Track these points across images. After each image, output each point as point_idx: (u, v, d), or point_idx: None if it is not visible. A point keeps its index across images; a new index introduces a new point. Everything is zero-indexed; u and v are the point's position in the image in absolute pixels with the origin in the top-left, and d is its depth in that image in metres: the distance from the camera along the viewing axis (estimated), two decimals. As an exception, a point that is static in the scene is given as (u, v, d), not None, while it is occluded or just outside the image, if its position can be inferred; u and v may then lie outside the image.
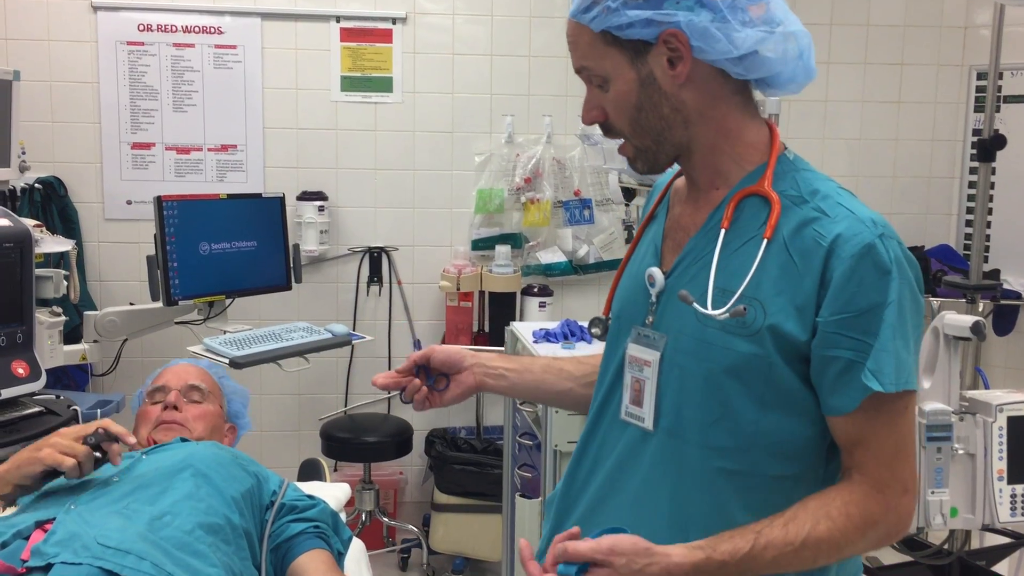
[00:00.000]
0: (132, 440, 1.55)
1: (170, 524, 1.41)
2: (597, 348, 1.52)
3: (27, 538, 1.31)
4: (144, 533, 1.35)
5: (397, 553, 3.78)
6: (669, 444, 1.20)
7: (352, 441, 3.54)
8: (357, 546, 1.85)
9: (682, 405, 1.19)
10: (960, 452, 1.68)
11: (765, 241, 1.14)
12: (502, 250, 3.67)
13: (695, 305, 1.15)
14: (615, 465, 1.26)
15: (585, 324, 2.35)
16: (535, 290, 3.69)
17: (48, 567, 1.24)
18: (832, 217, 1.13)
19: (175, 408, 1.81)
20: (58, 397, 2.19)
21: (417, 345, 1.37)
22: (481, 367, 1.45)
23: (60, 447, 1.48)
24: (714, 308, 1.13)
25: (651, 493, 1.22)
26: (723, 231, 1.18)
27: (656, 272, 1.23)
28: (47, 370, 2.34)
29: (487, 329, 3.70)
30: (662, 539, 1.12)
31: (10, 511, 1.47)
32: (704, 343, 1.16)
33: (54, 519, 1.35)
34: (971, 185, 3.91)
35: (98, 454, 1.49)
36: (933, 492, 1.64)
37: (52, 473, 1.48)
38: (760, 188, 1.18)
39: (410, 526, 3.76)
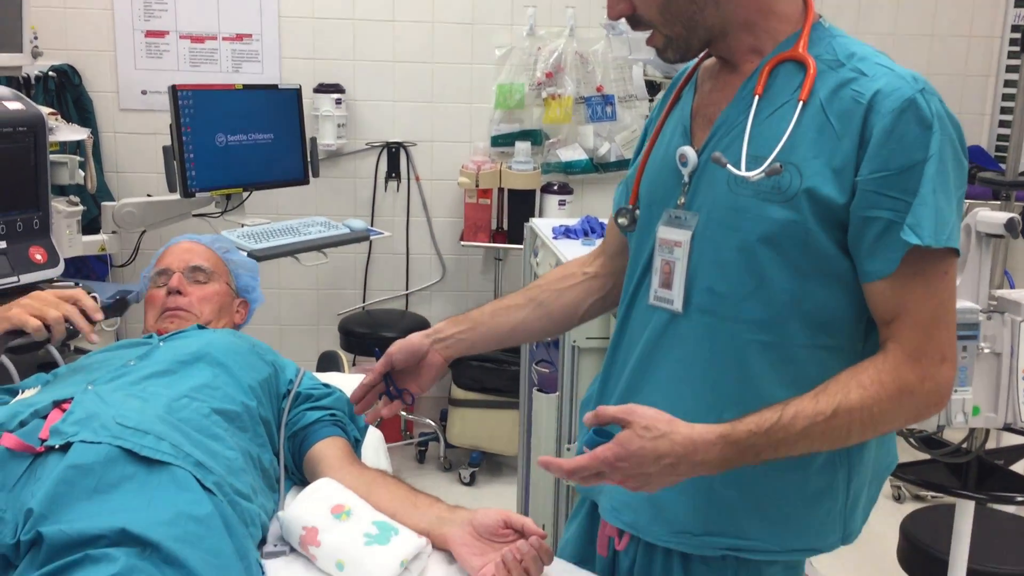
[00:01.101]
0: (99, 317, 1.51)
1: (187, 407, 1.41)
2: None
3: (45, 417, 1.32)
4: (162, 415, 1.35)
5: (415, 446, 3.85)
6: (701, 322, 1.20)
7: (370, 336, 3.56)
8: (374, 435, 1.86)
9: (715, 280, 1.18)
10: (986, 351, 1.66)
11: (800, 103, 1.11)
12: (522, 147, 3.61)
13: (729, 167, 1.13)
14: (644, 352, 1.26)
15: (605, 221, 2.32)
16: (555, 188, 3.64)
17: (66, 446, 1.25)
18: (870, 76, 1.10)
19: (179, 293, 1.77)
20: (76, 284, 2.19)
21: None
22: (440, 343, 1.44)
23: (31, 308, 1.45)
24: (748, 170, 1.11)
25: (683, 375, 1.22)
26: (756, 98, 1.15)
27: (688, 151, 1.20)
28: (67, 260, 2.34)
29: (506, 227, 3.67)
30: (697, 421, 1.12)
31: (30, 393, 1.48)
32: (738, 212, 1.14)
33: (72, 399, 1.35)
34: (1008, 84, 3.83)
35: (69, 326, 1.46)
36: (956, 391, 1.63)
37: (17, 334, 1.45)
38: (795, 53, 1.15)
39: (427, 420, 3.81)
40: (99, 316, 1.52)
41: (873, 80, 1.10)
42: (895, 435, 1.36)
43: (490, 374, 3.57)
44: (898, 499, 3.48)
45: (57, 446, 1.24)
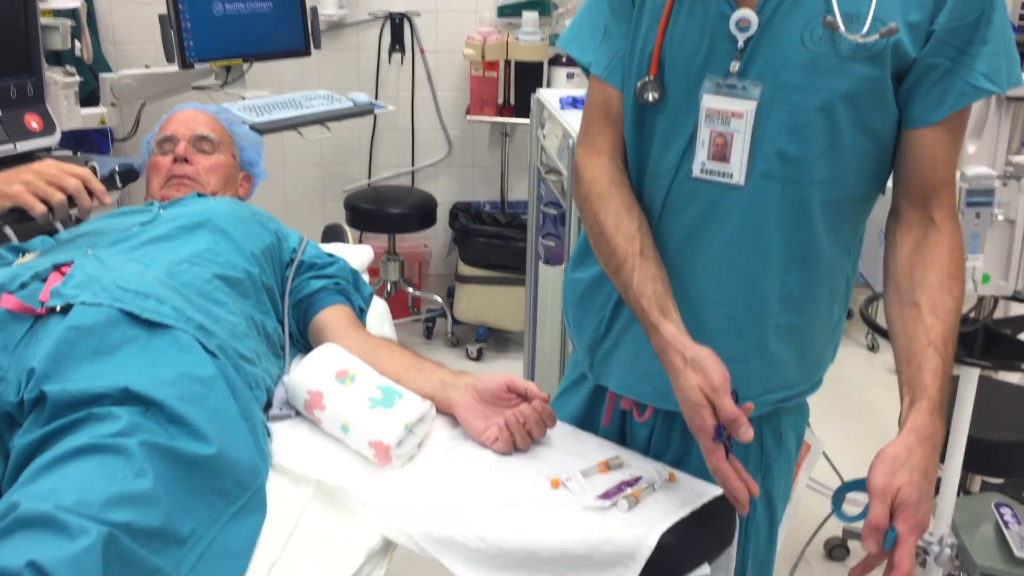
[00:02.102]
0: (107, 200, 1.49)
1: (188, 272, 1.40)
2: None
3: (45, 280, 1.31)
4: (163, 279, 1.34)
5: (422, 322, 3.88)
6: (767, 189, 1.17)
7: (376, 212, 3.54)
8: (380, 305, 1.86)
9: (787, 145, 1.15)
10: (1000, 218, 1.64)
11: None
12: (529, 17, 3.49)
13: (843, 32, 1.09)
14: (692, 228, 1.22)
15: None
16: (563, 60, 3.53)
17: (67, 308, 1.24)
18: None
19: (185, 161, 1.73)
20: (75, 153, 2.16)
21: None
22: None
23: (36, 188, 1.41)
24: (850, 33, 1.08)
25: (742, 245, 1.21)
26: None
27: (750, 14, 1.12)
28: (68, 134, 2.30)
29: (512, 101, 3.59)
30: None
31: (30, 257, 1.47)
32: (818, 73, 1.11)
33: (72, 263, 1.34)
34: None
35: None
36: (967, 258, 1.61)
37: (19, 212, 1.43)
38: None
39: (435, 296, 3.83)
40: (107, 200, 1.49)
41: None
42: None
43: (496, 250, 3.56)
44: (902, 374, 3.52)
45: (58, 308, 1.24)
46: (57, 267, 1.33)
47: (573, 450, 1.34)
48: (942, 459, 1.92)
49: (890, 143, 1.18)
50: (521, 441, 1.32)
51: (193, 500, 1.08)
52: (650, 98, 1.21)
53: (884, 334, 2.49)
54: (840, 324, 1.34)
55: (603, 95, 1.28)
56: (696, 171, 1.20)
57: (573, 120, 2.26)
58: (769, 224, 1.19)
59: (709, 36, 1.16)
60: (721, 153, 1.18)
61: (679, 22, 1.19)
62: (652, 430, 1.39)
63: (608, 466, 1.29)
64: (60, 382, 1.13)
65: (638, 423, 1.40)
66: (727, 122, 1.16)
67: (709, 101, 1.17)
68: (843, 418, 3.20)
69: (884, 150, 1.18)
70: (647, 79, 1.21)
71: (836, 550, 2.51)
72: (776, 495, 1.38)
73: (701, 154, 1.19)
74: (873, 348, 3.71)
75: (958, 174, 1.61)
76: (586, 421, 1.46)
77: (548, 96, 2.56)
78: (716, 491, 1.23)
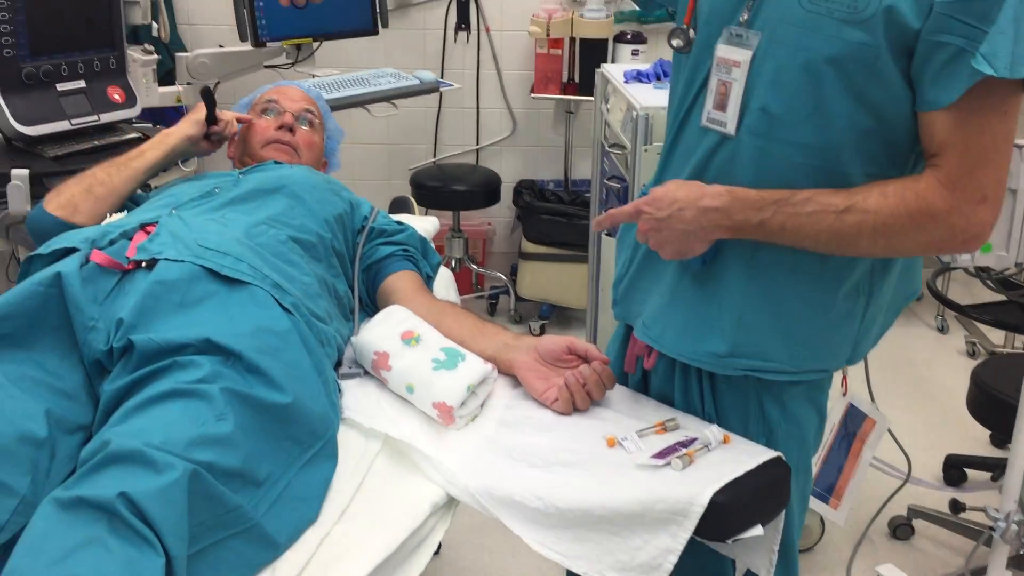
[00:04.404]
0: (234, 128, 1.82)
1: (265, 233, 1.46)
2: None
3: (131, 238, 1.38)
4: (241, 239, 1.41)
5: (485, 299, 3.92)
6: (751, 144, 1.18)
7: (441, 189, 3.59)
8: (446, 274, 1.91)
9: (770, 100, 1.15)
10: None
11: None
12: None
13: None
14: (691, 175, 1.25)
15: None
16: (628, 37, 3.52)
17: (152, 264, 1.31)
18: None
19: (290, 130, 1.82)
20: (155, 125, 2.24)
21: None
22: None
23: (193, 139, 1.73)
24: None
25: None
26: None
27: None
28: (145, 111, 2.39)
29: (577, 79, 3.60)
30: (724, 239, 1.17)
31: (117, 217, 1.55)
32: (809, 31, 1.10)
33: (156, 222, 1.41)
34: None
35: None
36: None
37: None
38: None
39: (498, 273, 3.87)
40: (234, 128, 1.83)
41: None
42: (919, 265, 1.36)
43: (560, 227, 3.58)
44: (972, 355, 3.45)
45: (143, 263, 1.31)
46: (143, 226, 1.41)
47: (631, 412, 1.37)
48: (1007, 437, 1.90)
49: (898, 122, 1.12)
50: (580, 401, 1.35)
51: (270, 445, 1.13)
52: (674, 44, 1.27)
53: (955, 307, 2.46)
54: (852, 318, 1.26)
55: None
56: (703, 119, 1.23)
57: (638, 93, 2.27)
58: (750, 181, 1.18)
59: None
60: (722, 102, 1.20)
61: None
62: (663, 380, 1.40)
63: (664, 427, 1.31)
64: (146, 332, 1.20)
65: (650, 372, 1.42)
66: (729, 71, 1.19)
67: (720, 50, 1.20)
68: (909, 397, 3.16)
69: (889, 128, 1.13)
70: (679, 27, 1.27)
71: (900, 529, 2.48)
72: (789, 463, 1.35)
73: (709, 102, 1.22)
74: (943, 330, 3.63)
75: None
76: (616, 367, 1.48)
77: (613, 70, 2.57)
78: (771, 454, 1.25)
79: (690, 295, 1.29)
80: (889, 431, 2.05)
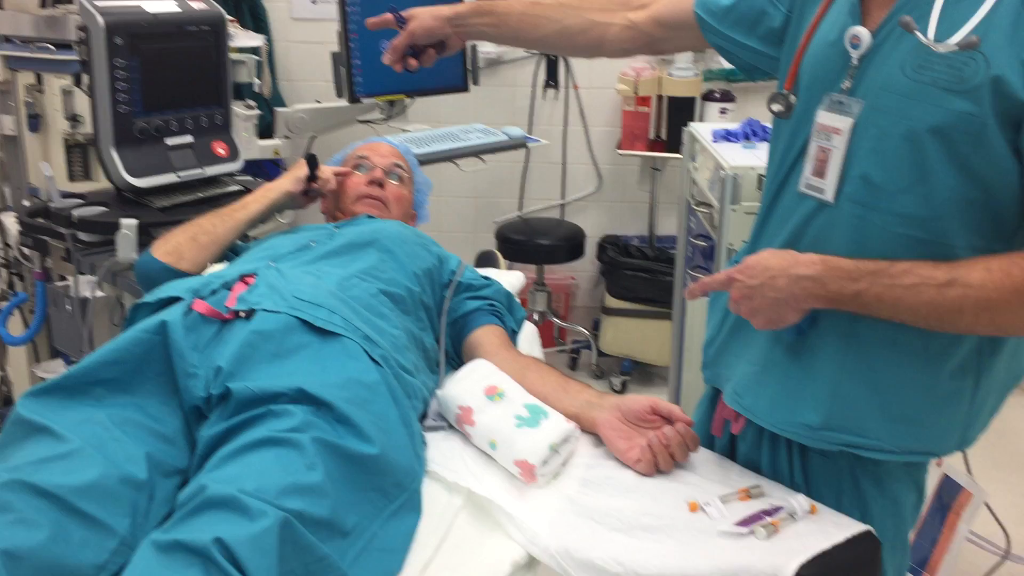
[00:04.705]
0: (332, 186, 1.90)
1: (357, 286, 1.51)
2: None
3: (231, 288, 1.44)
4: (334, 291, 1.45)
5: (567, 353, 3.92)
6: (851, 213, 1.16)
7: (526, 243, 3.63)
8: (530, 329, 1.92)
9: (871, 169, 1.13)
10: None
11: None
12: (683, 53, 3.52)
13: (917, 33, 1.06)
14: (787, 242, 1.24)
15: (769, 125, 2.25)
16: (716, 95, 3.54)
17: (250, 314, 1.36)
18: None
19: (380, 185, 1.90)
20: (255, 178, 2.34)
21: (401, 20, 1.60)
22: (461, 28, 1.61)
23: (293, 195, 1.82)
24: (934, 40, 1.04)
25: None
26: None
27: (862, 31, 1.14)
28: (244, 162, 2.49)
29: (664, 136, 3.62)
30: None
31: (219, 267, 1.62)
32: (911, 99, 1.08)
33: (255, 274, 1.47)
34: None
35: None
36: None
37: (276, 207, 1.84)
38: None
39: (580, 328, 3.87)
40: (332, 185, 1.91)
41: None
42: None
43: (644, 284, 3.57)
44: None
45: (242, 313, 1.36)
46: (243, 277, 1.46)
47: (714, 476, 1.35)
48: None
49: (1005, 194, 1.09)
50: (663, 463, 1.34)
51: (357, 496, 1.16)
52: (774, 109, 1.27)
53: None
54: (959, 398, 1.20)
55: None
56: (801, 185, 1.22)
57: (726, 152, 2.27)
58: (849, 251, 1.15)
59: (837, 53, 1.18)
60: (821, 169, 1.18)
61: (821, 36, 1.23)
62: (751, 447, 1.38)
63: (748, 494, 1.28)
64: (243, 380, 1.24)
65: (738, 437, 1.40)
66: (829, 138, 1.17)
67: (821, 116, 1.19)
68: (1008, 469, 3.03)
69: (995, 200, 1.09)
70: (780, 92, 1.27)
71: (995, 607, 2.37)
72: (882, 540, 1.30)
73: (807, 168, 1.21)
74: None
75: None
76: (708, 430, 1.47)
77: (701, 129, 2.58)
78: (861, 527, 1.21)
79: (783, 364, 1.26)
80: (986, 504, 1.97)
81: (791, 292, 1.14)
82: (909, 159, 1.10)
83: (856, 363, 1.20)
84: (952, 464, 2.00)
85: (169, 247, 1.71)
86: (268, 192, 1.85)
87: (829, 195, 1.18)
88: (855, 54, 1.15)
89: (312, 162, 1.85)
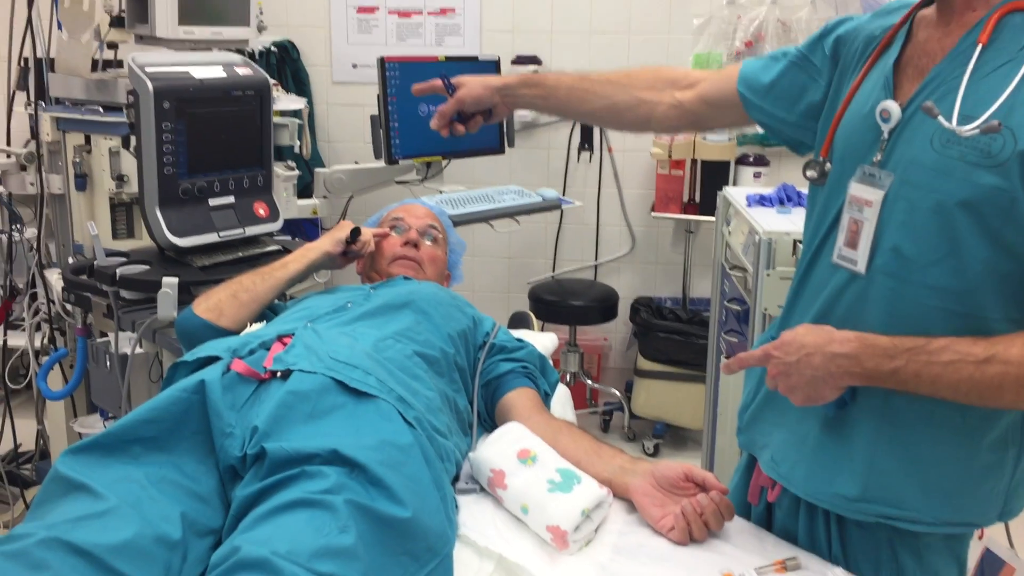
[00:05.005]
0: (371, 248, 1.93)
1: (392, 348, 1.52)
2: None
3: (269, 348, 1.46)
4: (369, 352, 1.46)
5: (599, 415, 3.90)
6: (883, 285, 1.16)
7: (559, 304, 3.63)
8: (563, 391, 1.92)
9: (902, 241, 1.14)
10: None
11: None
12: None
13: (940, 119, 1.07)
14: (821, 312, 1.24)
15: (804, 190, 2.26)
16: (750, 159, 3.56)
17: (287, 374, 1.37)
18: None
19: (415, 246, 1.93)
20: (294, 239, 2.38)
21: (450, 87, 1.66)
22: (511, 101, 1.64)
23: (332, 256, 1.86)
24: (955, 124, 1.05)
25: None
26: (979, 47, 1.08)
27: (891, 105, 1.15)
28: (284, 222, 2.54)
29: (698, 199, 3.63)
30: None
31: (257, 327, 1.64)
32: (940, 174, 1.09)
33: (292, 334, 1.49)
34: None
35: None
36: None
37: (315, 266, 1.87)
38: None
39: (613, 390, 3.85)
40: (371, 248, 1.93)
41: None
42: None
43: (677, 346, 3.56)
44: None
45: (279, 373, 1.38)
46: (280, 337, 1.48)
47: (749, 546, 1.33)
48: None
49: None
50: (697, 531, 1.33)
51: (388, 560, 1.15)
52: (809, 175, 1.29)
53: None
54: (1000, 470, 1.19)
55: (730, 77, 1.44)
56: (835, 256, 1.23)
57: (760, 217, 2.28)
58: (882, 323, 1.15)
59: (869, 125, 1.19)
60: (853, 240, 1.19)
61: (856, 107, 1.25)
62: (787, 515, 1.36)
63: (784, 567, 1.26)
64: (278, 440, 1.25)
65: (775, 505, 1.39)
66: (861, 209, 1.18)
67: (853, 188, 1.20)
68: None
69: None
70: (815, 160, 1.29)
71: None
72: None
73: (840, 239, 1.22)
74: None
75: None
76: (744, 497, 1.46)
77: (735, 193, 2.59)
78: (898, 600, 1.19)
79: (820, 435, 1.26)
80: (1030, 580, 1.91)
81: (827, 370, 1.14)
82: (939, 232, 1.10)
83: (892, 436, 1.19)
84: (994, 537, 1.95)
85: (210, 304, 1.74)
86: (308, 252, 1.87)
87: (861, 267, 1.18)
88: (885, 128, 1.16)
89: (355, 233, 1.89)
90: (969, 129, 1.04)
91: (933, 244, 1.11)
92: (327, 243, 1.89)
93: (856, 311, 1.19)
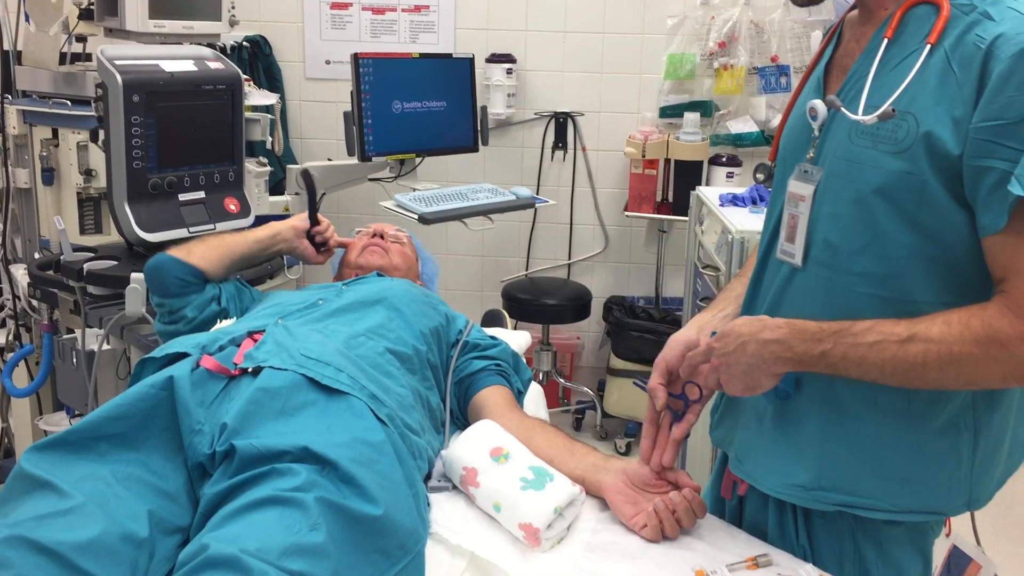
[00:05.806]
0: (332, 233, 1.94)
1: (364, 345, 1.51)
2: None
3: (239, 345, 1.44)
4: (341, 349, 1.45)
5: (572, 414, 3.90)
6: (818, 275, 1.20)
7: (532, 303, 3.63)
8: (536, 390, 1.92)
9: (830, 232, 1.18)
10: None
11: (928, 47, 1.08)
12: (691, 117, 3.57)
13: (842, 109, 1.13)
14: (771, 305, 1.28)
15: (775, 189, 2.28)
16: (723, 160, 3.58)
17: (257, 371, 1.36)
18: (996, 20, 1.05)
19: (380, 236, 1.96)
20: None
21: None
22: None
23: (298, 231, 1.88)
24: (850, 111, 1.11)
25: None
26: (885, 41, 1.13)
27: (817, 103, 1.20)
28: (255, 218, 2.52)
29: (671, 198, 3.64)
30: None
31: (227, 323, 1.62)
32: (854, 163, 1.14)
33: (264, 330, 1.47)
34: None
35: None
36: None
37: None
38: None
39: (585, 388, 3.86)
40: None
41: (998, 24, 1.04)
42: None
43: (649, 345, 3.57)
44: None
45: (249, 370, 1.36)
46: (251, 333, 1.47)
47: (722, 543, 1.34)
48: None
49: (962, 248, 1.09)
50: (669, 529, 1.33)
51: (359, 558, 1.14)
52: (758, 177, 1.35)
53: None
54: (955, 456, 1.19)
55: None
56: (778, 251, 1.27)
57: (733, 217, 2.29)
58: (818, 312, 1.18)
59: (804, 125, 1.24)
60: (791, 235, 1.24)
61: (796, 110, 1.31)
62: (756, 510, 1.38)
63: (756, 563, 1.27)
64: (248, 437, 1.23)
65: (746, 500, 1.40)
66: (796, 205, 1.23)
67: (791, 185, 1.24)
68: (1019, 541, 2.99)
69: (953, 255, 1.10)
70: (763, 163, 1.35)
71: None
72: None
73: (782, 235, 1.26)
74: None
75: None
76: (718, 493, 1.47)
77: (708, 193, 2.60)
78: (869, 597, 1.20)
79: (772, 428, 1.28)
80: (996, 576, 1.93)
81: (761, 357, 1.17)
82: (861, 220, 1.14)
83: (840, 424, 1.21)
84: (961, 535, 1.97)
85: (180, 246, 1.79)
86: (273, 224, 1.91)
87: (798, 259, 1.22)
88: (815, 125, 1.21)
89: (308, 181, 1.91)
90: (869, 118, 1.09)
91: (857, 232, 1.14)
92: (294, 219, 1.93)
93: (799, 303, 1.23)
